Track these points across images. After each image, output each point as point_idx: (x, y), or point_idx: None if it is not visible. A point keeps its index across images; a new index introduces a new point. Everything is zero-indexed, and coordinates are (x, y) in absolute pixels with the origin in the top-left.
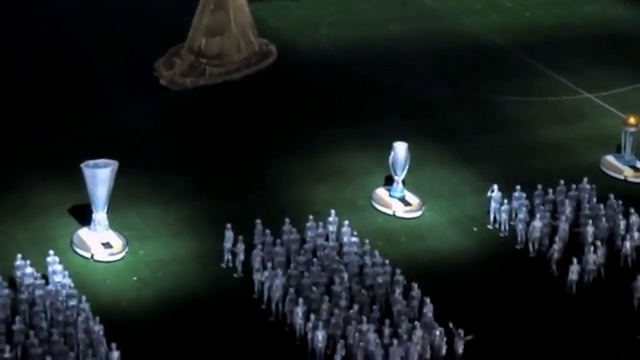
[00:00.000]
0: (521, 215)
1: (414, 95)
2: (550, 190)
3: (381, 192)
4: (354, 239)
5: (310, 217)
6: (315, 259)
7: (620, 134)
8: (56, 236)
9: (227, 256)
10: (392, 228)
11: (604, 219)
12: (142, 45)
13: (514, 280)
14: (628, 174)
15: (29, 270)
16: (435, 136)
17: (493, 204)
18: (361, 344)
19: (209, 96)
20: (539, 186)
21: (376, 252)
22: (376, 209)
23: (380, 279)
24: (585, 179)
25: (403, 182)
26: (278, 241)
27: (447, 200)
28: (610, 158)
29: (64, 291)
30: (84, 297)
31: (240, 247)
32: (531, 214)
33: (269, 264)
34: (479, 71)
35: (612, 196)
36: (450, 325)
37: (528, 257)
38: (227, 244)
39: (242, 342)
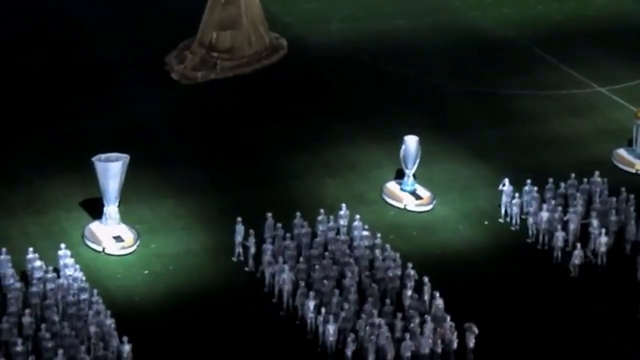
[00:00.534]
0: (531, 209)
1: (425, 89)
2: (562, 184)
3: (392, 185)
4: (365, 233)
5: (321, 210)
6: (326, 253)
7: (632, 127)
8: (67, 230)
9: (238, 250)
10: (403, 222)
11: (614, 212)
12: (153, 39)
13: (525, 273)
14: (639, 167)
15: (40, 263)
16: (446, 130)
17: (504, 198)
18: (372, 338)
19: (220, 90)
20: (550, 180)
21: (387, 246)
22: (387, 203)
23: (391, 273)
24: (597, 173)
25: (414, 175)
26: (288, 235)
27: (458, 194)
28: (621, 151)
29: (75, 284)
30: (95, 291)
31: (251, 240)
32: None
33: (279, 258)
34: (490, 65)
35: (623, 190)
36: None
37: (538, 251)
38: (238, 238)
39: (253, 336)
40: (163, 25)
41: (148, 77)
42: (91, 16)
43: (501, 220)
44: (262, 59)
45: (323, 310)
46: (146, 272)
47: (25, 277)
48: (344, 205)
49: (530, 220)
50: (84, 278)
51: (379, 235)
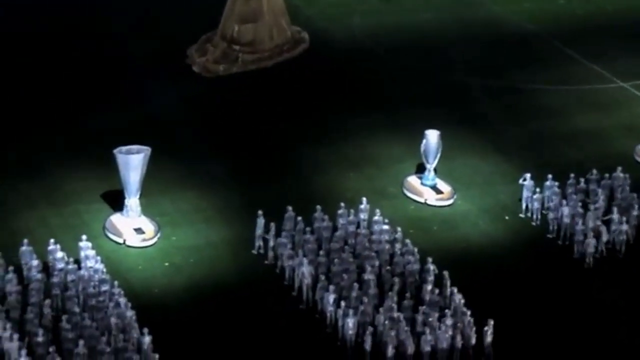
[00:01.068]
0: (552, 204)
1: (446, 83)
2: (582, 180)
3: (413, 180)
4: (385, 227)
5: (342, 204)
6: (346, 246)
7: None
8: (89, 221)
9: (259, 243)
10: (424, 216)
11: (636, 207)
12: (175, 32)
13: (545, 269)
14: None
15: (61, 254)
16: (467, 124)
17: (525, 193)
18: (391, 332)
19: (241, 83)
20: (572, 175)
21: (407, 241)
22: (408, 197)
23: (410, 267)
24: (619, 168)
25: (435, 170)
26: (308, 229)
27: (479, 189)
28: None
29: (96, 276)
30: (116, 282)
31: (272, 234)
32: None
33: (299, 251)
34: (512, 59)
35: None
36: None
37: (559, 246)
38: (259, 231)
39: (273, 329)
40: (184, 18)
41: (169, 69)
42: (113, 10)
43: (522, 216)
44: (283, 53)
45: (342, 304)
46: (166, 264)
47: (46, 268)
48: (364, 199)
49: (551, 215)
50: (104, 270)
51: (399, 229)
